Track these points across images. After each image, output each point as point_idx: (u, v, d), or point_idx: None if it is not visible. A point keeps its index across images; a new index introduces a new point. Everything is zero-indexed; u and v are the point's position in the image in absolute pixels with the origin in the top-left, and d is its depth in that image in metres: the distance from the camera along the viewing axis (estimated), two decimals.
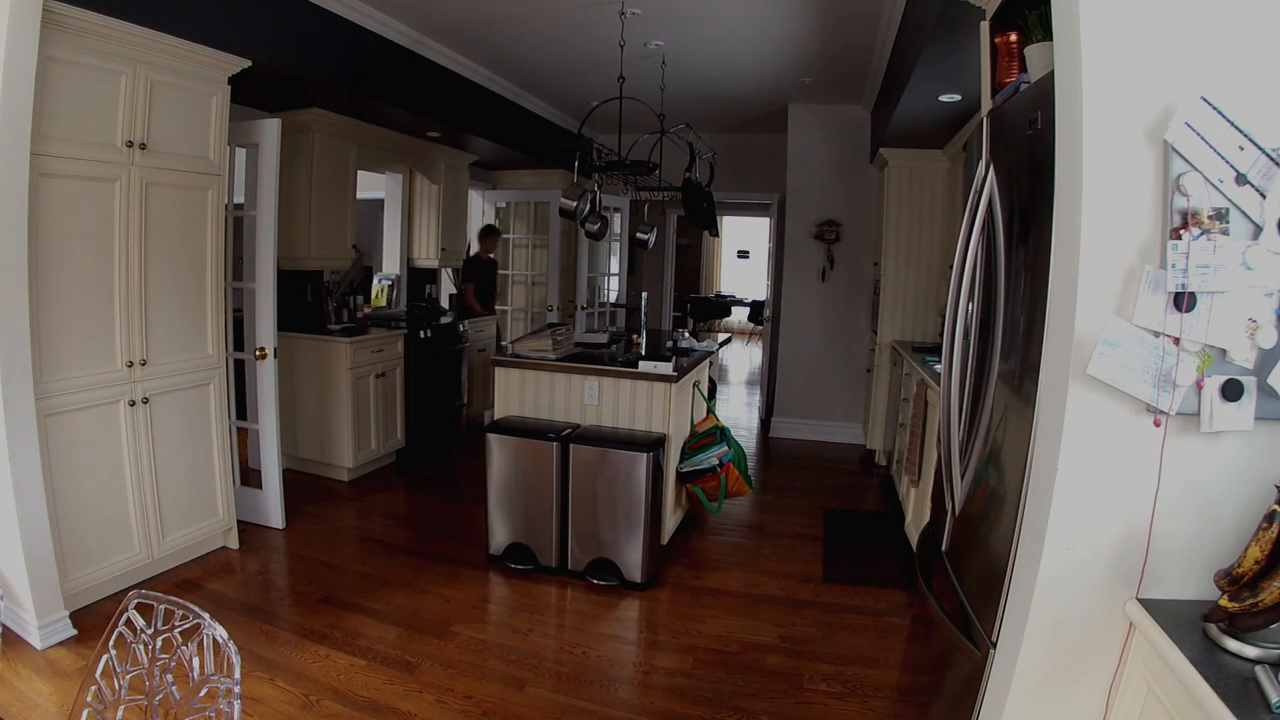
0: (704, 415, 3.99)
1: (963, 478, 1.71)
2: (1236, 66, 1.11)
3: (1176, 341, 1.14)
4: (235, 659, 1.11)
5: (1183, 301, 1.13)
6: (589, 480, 3.24)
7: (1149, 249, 1.16)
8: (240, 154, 3.64)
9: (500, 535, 3.43)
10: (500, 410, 3.68)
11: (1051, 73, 1.33)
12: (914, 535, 3.52)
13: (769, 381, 6.63)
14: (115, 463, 2.86)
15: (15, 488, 2.42)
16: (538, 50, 4.57)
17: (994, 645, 1.43)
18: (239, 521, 3.50)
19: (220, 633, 1.12)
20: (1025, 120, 1.48)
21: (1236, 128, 1.10)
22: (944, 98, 3.63)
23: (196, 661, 1.14)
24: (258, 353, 3.56)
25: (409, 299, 5.82)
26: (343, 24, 3.75)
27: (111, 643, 1.20)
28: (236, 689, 1.09)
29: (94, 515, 2.79)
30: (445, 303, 6.30)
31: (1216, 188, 1.11)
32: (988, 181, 1.62)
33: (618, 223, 6.92)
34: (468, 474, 4.85)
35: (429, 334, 5.12)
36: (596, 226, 4.01)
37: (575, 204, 4.07)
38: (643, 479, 3.15)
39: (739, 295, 12.52)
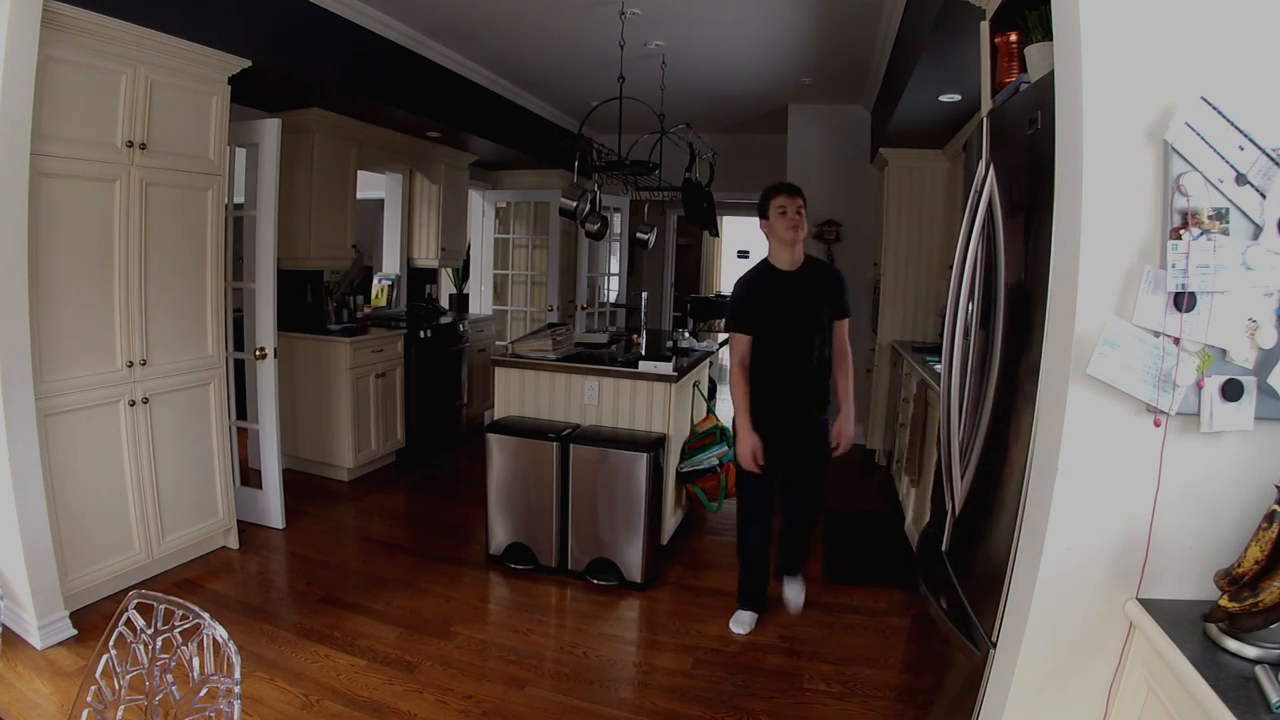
0: (704, 415, 3.99)
1: (963, 478, 1.71)
2: (1236, 66, 1.11)
3: (1176, 341, 1.14)
4: (235, 659, 1.10)
5: (1183, 301, 1.13)
6: (589, 480, 3.24)
7: (1149, 249, 1.16)
8: (240, 154, 3.64)
9: (500, 535, 3.43)
10: (500, 410, 3.68)
11: (1051, 73, 1.33)
12: (914, 535, 3.52)
13: None
14: (115, 463, 2.86)
15: (15, 488, 2.42)
16: (538, 50, 4.57)
17: (994, 645, 1.43)
18: (239, 521, 3.50)
19: (220, 633, 1.12)
20: (1025, 120, 1.48)
21: (1236, 128, 1.10)
22: (944, 98, 3.62)
23: (196, 661, 1.14)
24: (258, 353, 3.56)
25: (409, 299, 5.82)
26: (343, 24, 3.75)
27: (111, 643, 1.20)
28: (236, 689, 1.09)
29: (94, 515, 2.79)
30: (445, 303, 6.30)
31: (1216, 188, 1.11)
32: (988, 181, 1.62)
33: (618, 223, 6.92)
34: (468, 474, 4.85)
35: (429, 334, 5.12)
36: (596, 226, 4.01)
37: (575, 204, 4.07)
38: (643, 479, 3.15)
39: None
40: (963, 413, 1.69)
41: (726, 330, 2.77)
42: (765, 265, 2.81)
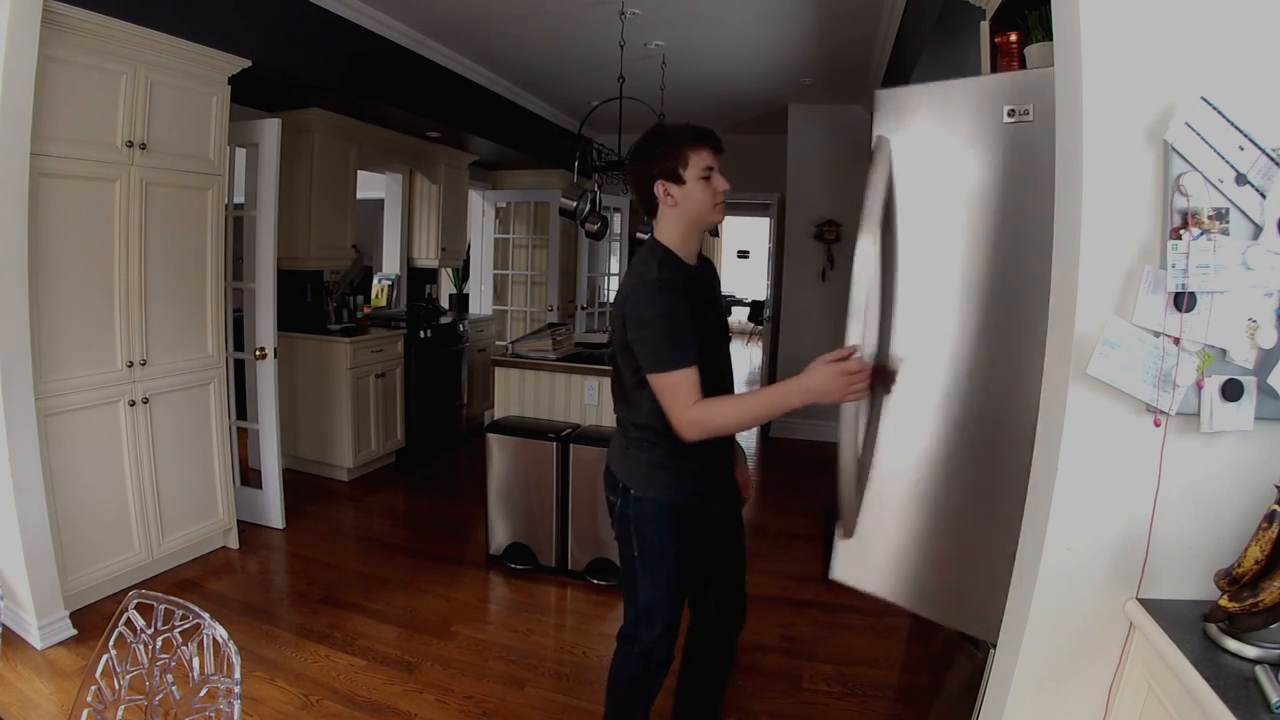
0: None
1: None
2: (1236, 66, 1.11)
3: (1176, 341, 1.14)
4: (235, 659, 1.10)
5: (1183, 301, 1.13)
6: (589, 480, 3.24)
7: (1149, 249, 1.16)
8: (240, 154, 3.64)
9: (500, 535, 3.42)
10: (500, 410, 3.68)
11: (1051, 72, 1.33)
12: None
13: (769, 381, 6.63)
14: (115, 463, 2.86)
15: (15, 488, 2.42)
16: (538, 50, 4.56)
17: (994, 645, 1.43)
18: (239, 521, 3.50)
19: (220, 633, 1.12)
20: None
21: (1236, 128, 1.10)
22: None
23: (196, 661, 1.14)
24: (258, 353, 3.56)
25: (409, 299, 5.82)
26: (343, 24, 3.75)
27: (111, 643, 1.20)
28: (236, 689, 1.09)
29: (94, 515, 2.79)
30: (445, 303, 6.30)
31: (1216, 188, 1.11)
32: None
33: (618, 223, 6.92)
34: (468, 474, 4.85)
35: (429, 334, 5.12)
36: (596, 226, 4.02)
37: (575, 204, 4.07)
38: None
39: (739, 295, 12.52)
40: None
41: (664, 368, 1.61)
42: (670, 258, 1.75)
